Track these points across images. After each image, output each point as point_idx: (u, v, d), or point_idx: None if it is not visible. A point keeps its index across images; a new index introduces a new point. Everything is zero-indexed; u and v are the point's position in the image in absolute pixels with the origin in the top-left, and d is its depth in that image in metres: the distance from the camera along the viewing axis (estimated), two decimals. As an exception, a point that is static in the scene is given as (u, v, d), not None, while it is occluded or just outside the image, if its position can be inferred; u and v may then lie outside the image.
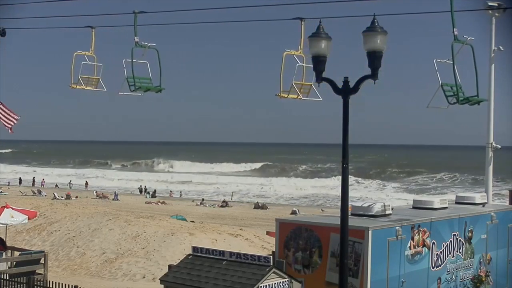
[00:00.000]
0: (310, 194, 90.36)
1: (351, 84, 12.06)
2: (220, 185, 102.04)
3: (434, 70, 14.39)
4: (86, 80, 20.07)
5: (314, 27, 11.83)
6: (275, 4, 17.14)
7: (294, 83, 16.04)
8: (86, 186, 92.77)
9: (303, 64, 16.08)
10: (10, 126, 22.97)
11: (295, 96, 16.13)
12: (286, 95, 16.00)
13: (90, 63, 19.97)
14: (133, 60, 17.07)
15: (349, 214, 12.88)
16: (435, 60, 14.40)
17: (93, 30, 19.48)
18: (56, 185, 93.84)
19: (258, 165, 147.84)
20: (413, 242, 15.13)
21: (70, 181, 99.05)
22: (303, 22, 16.07)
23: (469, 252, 17.22)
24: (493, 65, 21.69)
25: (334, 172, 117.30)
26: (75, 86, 20.07)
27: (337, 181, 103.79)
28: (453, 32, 14.08)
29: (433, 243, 15.81)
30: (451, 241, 16.49)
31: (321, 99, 16.52)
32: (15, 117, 23.13)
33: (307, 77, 16.29)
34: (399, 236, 14.57)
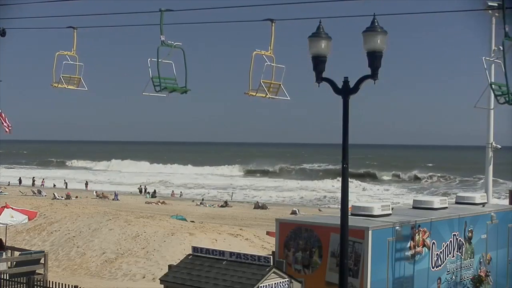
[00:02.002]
0: (313, 194, 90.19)
1: (351, 84, 12.07)
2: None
3: (483, 68, 14.19)
4: (68, 79, 20.46)
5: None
6: (282, 3, 17.15)
7: (262, 82, 16.36)
8: (86, 187, 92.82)
9: (272, 64, 16.32)
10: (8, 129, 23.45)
11: (263, 95, 16.49)
12: (254, 93, 16.32)
13: (72, 62, 20.37)
14: (159, 60, 16.64)
15: (349, 214, 12.88)
16: (483, 58, 14.25)
17: (75, 30, 19.87)
18: (54, 185, 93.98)
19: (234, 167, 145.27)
20: (413, 242, 15.13)
21: (65, 180, 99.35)
22: (273, 24, 16.37)
23: (469, 252, 17.22)
24: (493, 65, 21.68)
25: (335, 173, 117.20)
26: (56, 85, 20.47)
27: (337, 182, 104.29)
28: (504, 28, 13.97)
29: (433, 243, 15.82)
30: (451, 241, 16.49)
31: (288, 98, 16.92)
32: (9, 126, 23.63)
33: (276, 77, 16.71)
34: (399, 236, 14.57)
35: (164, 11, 16.56)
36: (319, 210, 63.78)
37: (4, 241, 24.42)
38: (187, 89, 17.30)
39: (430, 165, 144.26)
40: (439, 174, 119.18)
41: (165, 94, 17.24)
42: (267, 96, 16.46)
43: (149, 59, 16.74)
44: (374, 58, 11.67)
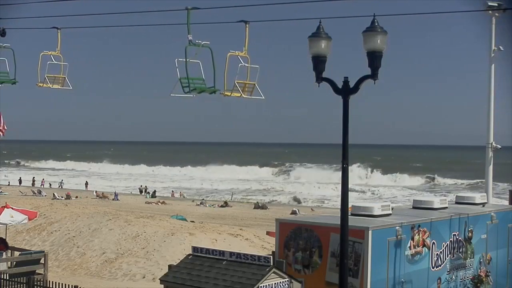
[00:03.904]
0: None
1: (351, 84, 12.07)
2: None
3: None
4: (52, 79, 20.86)
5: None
6: (291, 2, 17.10)
7: (236, 82, 16.54)
8: (86, 186, 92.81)
9: (246, 65, 16.48)
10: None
11: (238, 95, 16.71)
12: (229, 93, 16.51)
13: (56, 62, 20.70)
14: (187, 60, 16.35)
15: (349, 214, 12.88)
16: None
17: (59, 30, 20.22)
18: (50, 185, 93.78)
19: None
20: (413, 242, 15.13)
21: (62, 180, 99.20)
22: (247, 25, 16.53)
23: (469, 252, 17.22)
24: (493, 65, 21.70)
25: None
26: (41, 85, 20.89)
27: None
28: None
29: (433, 243, 15.81)
30: (451, 241, 16.49)
31: (263, 97, 17.15)
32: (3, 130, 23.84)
33: (250, 77, 16.89)
34: (399, 236, 14.57)
35: (191, 9, 16.43)
36: (312, 209, 63.71)
37: (4, 241, 24.43)
38: (216, 89, 17.11)
39: (429, 165, 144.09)
40: (438, 174, 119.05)
41: (193, 95, 16.96)
42: (242, 95, 16.66)
43: (176, 59, 16.44)
44: (374, 58, 11.67)
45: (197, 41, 16.60)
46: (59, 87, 21.01)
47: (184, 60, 16.39)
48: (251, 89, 16.89)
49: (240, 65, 16.49)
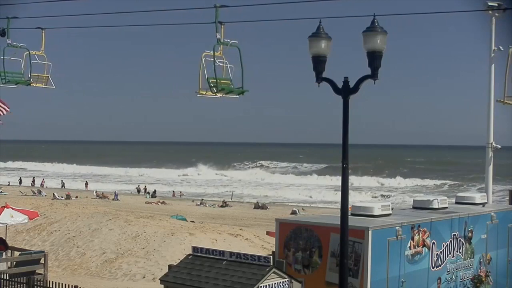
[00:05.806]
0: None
1: (351, 84, 12.07)
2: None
3: None
4: (36, 77, 20.99)
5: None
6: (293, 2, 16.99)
7: (211, 81, 16.69)
8: (86, 187, 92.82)
9: (221, 64, 16.47)
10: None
11: (213, 94, 16.77)
12: (204, 92, 16.53)
13: (40, 62, 21.14)
14: (215, 59, 16.31)
15: (349, 214, 12.87)
16: None
17: (43, 31, 20.47)
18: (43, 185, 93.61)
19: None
20: (413, 242, 15.13)
21: (62, 181, 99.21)
22: (222, 26, 16.49)
23: (469, 252, 17.22)
24: (493, 65, 21.70)
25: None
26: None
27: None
28: None
29: (433, 243, 15.81)
30: (451, 241, 16.49)
31: (237, 97, 17.17)
32: (7, 109, 23.37)
33: (225, 76, 16.92)
34: (399, 236, 14.57)
35: (219, 7, 16.31)
36: (302, 209, 63.63)
37: (4, 241, 24.42)
38: (244, 90, 16.88)
39: (428, 165, 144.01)
40: (437, 175, 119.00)
41: (219, 96, 16.86)
42: (217, 94, 16.64)
43: (203, 58, 16.40)
44: (374, 58, 11.66)
45: (225, 39, 16.44)
46: (42, 86, 21.30)
47: (212, 59, 16.24)
48: None
49: (215, 64, 16.46)
